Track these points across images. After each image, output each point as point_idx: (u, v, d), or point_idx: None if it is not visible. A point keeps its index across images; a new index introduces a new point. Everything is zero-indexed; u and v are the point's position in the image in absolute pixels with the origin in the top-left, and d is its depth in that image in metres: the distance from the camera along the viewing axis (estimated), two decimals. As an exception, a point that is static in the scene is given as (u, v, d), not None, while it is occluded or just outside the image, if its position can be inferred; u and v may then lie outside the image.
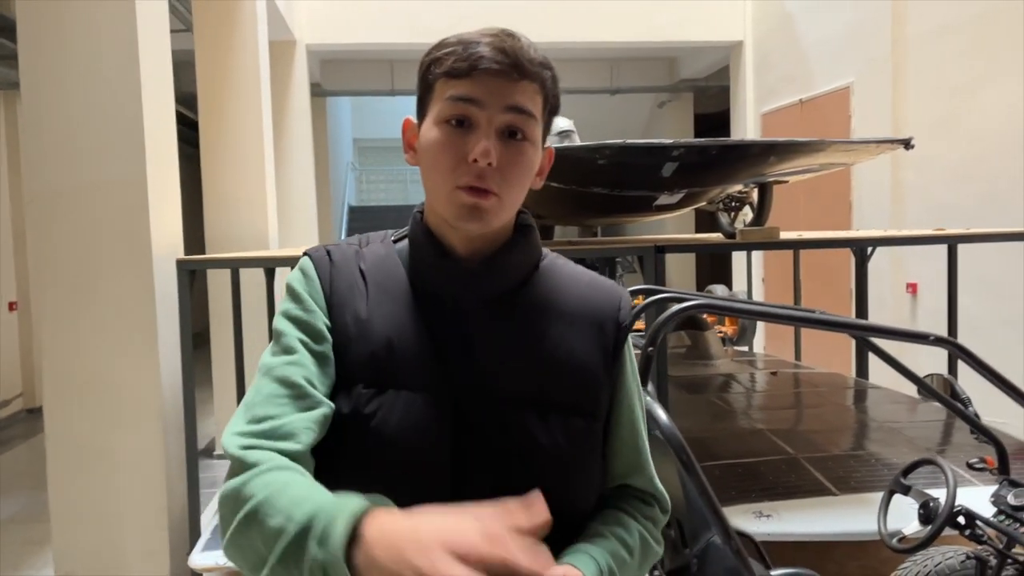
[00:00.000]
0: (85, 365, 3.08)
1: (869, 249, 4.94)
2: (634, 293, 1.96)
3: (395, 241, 1.09)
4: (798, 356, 6.18)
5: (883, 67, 6.39)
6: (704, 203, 4.03)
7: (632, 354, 1.13)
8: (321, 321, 1.00)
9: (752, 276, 8.75)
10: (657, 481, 1.12)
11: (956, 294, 4.20)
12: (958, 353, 1.92)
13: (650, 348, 1.81)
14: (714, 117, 11.39)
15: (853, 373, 5.34)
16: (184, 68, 5.45)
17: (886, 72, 6.34)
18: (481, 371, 0.99)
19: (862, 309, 5.04)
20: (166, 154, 3.29)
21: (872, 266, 6.47)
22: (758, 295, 8.71)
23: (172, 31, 6.48)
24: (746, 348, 7.26)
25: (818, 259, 7.08)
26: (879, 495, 2.40)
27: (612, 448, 1.09)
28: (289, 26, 7.78)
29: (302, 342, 0.99)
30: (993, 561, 2.25)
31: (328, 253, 1.05)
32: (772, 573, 2.39)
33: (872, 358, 6.03)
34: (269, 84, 5.90)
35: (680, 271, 12.49)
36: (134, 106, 3.03)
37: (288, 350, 0.98)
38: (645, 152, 2.92)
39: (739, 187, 3.86)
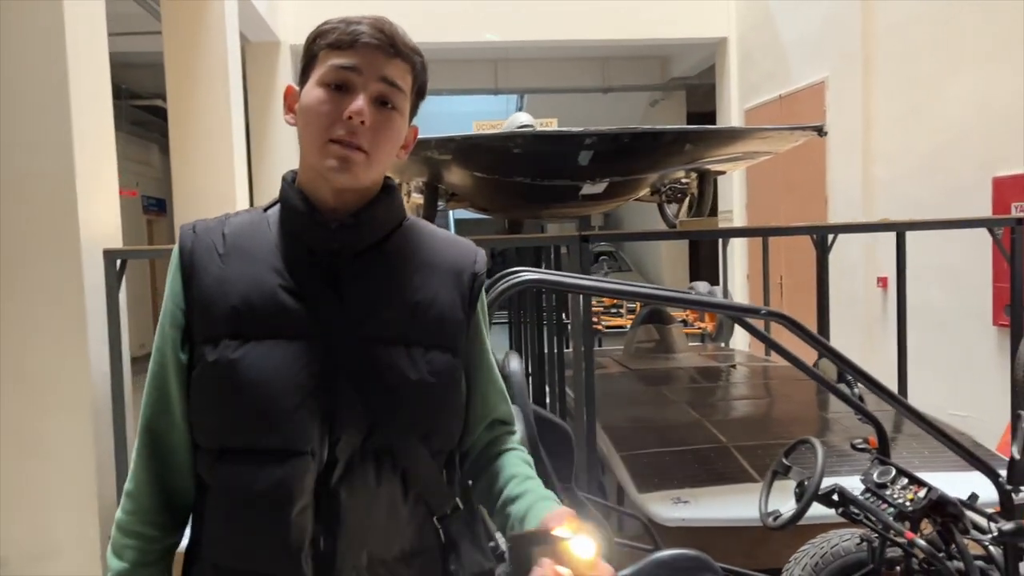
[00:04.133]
0: (16, 354, 3.15)
1: (830, 239, 4.92)
2: (505, 276, 2.00)
3: (267, 209, 1.18)
4: (768, 352, 6.16)
5: (854, 61, 6.37)
6: (647, 194, 4.05)
7: (485, 304, 1.25)
8: (175, 303, 1.13)
9: (736, 273, 8.76)
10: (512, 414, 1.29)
11: (905, 282, 4.17)
12: (788, 325, 1.93)
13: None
14: (708, 115, 11.37)
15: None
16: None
17: (857, 66, 6.32)
18: (350, 315, 1.09)
19: (823, 298, 5.03)
20: (100, 146, 3.35)
21: (843, 261, 6.45)
22: (742, 292, 8.69)
23: (149, 32, 6.60)
24: (723, 344, 7.26)
25: (799, 256, 7.06)
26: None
27: (478, 381, 1.21)
28: (272, 28, 7.88)
29: (167, 324, 1.13)
30: (878, 543, 2.25)
31: (194, 226, 1.16)
32: (658, 554, 2.42)
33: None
34: (240, 84, 5.97)
35: (673, 268, 12.48)
36: (61, 99, 3.09)
37: (160, 328, 1.14)
38: (557, 140, 2.95)
39: (681, 177, 3.88)
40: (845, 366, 1.98)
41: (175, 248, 1.14)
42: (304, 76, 1.13)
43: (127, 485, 1.16)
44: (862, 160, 6.28)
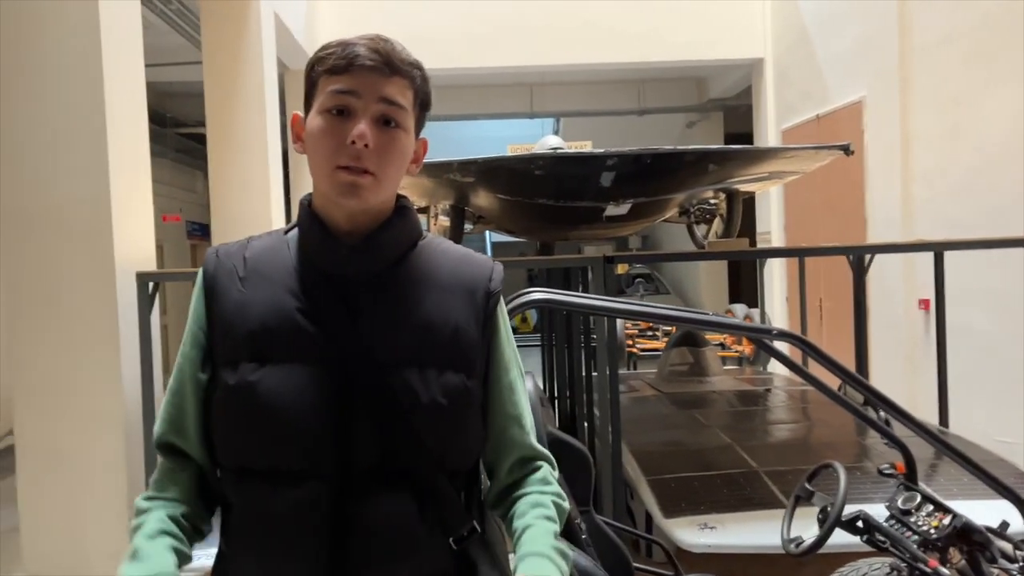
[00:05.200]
0: (53, 374, 3.23)
1: (866, 260, 4.82)
2: (518, 295, 2.00)
3: (288, 232, 1.20)
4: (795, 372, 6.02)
5: (892, 79, 6.26)
6: (675, 215, 4.02)
7: (507, 321, 1.23)
8: (198, 324, 1.16)
9: (776, 296, 8.63)
10: (534, 437, 1.22)
11: (944, 304, 4.06)
12: (802, 347, 1.89)
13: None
14: (745, 136, 11.28)
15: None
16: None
17: (895, 84, 6.21)
18: (364, 338, 1.10)
19: (860, 321, 4.91)
20: (135, 172, 3.45)
21: (883, 283, 6.31)
22: (781, 315, 8.55)
23: (193, 63, 6.79)
24: (761, 368, 7.13)
25: (839, 278, 6.92)
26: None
27: (495, 407, 1.19)
28: (309, 55, 8.05)
29: (188, 344, 1.16)
30: (906, 572, 2.18)
31: (217, 251, 1.19)
32: (679, 580, 2.38)
33: (884, 378, 5.86)
34: (277, 111, 6.11)
35: (712, 291, 12.34)
36: (98, 125, 3.20)
37: (183, 347, 1.16)
38: (579, 161, 2.95)
39: (709, 198, 3.85)
40: (864, 390, 1.93)
41: (200, 272, 1.17)
42: (308, 103, 1.15)
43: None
44: (901, 179, 6.16)
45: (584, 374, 4.08)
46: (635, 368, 8.14)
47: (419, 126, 1.18)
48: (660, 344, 8.67)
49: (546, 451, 1.24)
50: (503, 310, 1.22)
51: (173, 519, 1.11)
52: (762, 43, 8.89)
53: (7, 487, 3.25)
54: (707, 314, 1.77)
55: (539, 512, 1.15)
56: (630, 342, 8.26)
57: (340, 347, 1.09)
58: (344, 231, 1.13)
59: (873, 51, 6.59)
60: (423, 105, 1.17)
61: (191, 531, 1.14)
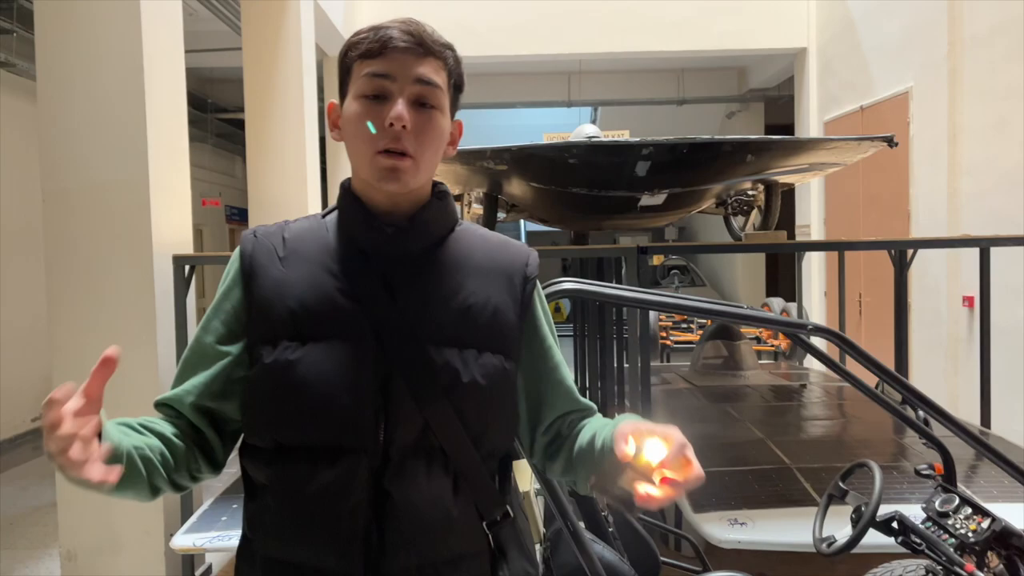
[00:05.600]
0: (91, 356, 3.27)
1: (908, 255, 4.71)
2: (547, 285, 1.98)
3: (325, 215, 1.21)
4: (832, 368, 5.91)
5: (940, 70, 6.09)
6: (712, 206, 3.96)
7: (546, 307, 1.24)
8: (230, 301, 1.16)
9: (814, 290, 8.48)
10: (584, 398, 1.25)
11: (989, 301, 3.95)
12: (839, 343, 1.84)
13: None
14: (787, 127, 11.09)
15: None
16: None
17: (943, 75, 6.05)
18: (404, 317, 1.10)
19: (901, 317, 4.81)
20: (173, 155, 3.48)
21: (926, 279, 6.17)
22: (819, 310, 8.41)
23: (234, 49, 6.85)
24: (797, 362, 7.03)
25: (880, 273, 6.79)
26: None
27: (540, 385, 1.20)
28: (348, 42, 8.07)
29: (213, 318, 1.17)
30: (942, 575, 2.12)
31: (255, 231, 1.20)
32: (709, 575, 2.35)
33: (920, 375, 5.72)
34: (315, 96, 6.14)
35: (748, 284, 12.19)
36: (138, 110, 3.23)
37: (205, 320, 1.18)
38: (613, 150, 2.91)
39: (747, 189, 3.78)
40: (902, 388, 1.87)
41: (236, 252, 1.18)
42: (343, 90, 1.15)
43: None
44: (948, 173, 5.99)
45: (616, 365, 4.05)
46: (668, 360, 8.08)
47: (454, 107, 1.18)
48: (694, 337, 8.60)
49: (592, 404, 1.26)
50: (541, 296, 1.23)
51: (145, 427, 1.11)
52: (806, 33, 8.71)
53: (47, 463, 3.31)
54: (741, 307, 1.74)
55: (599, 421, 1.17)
56: (663, 334, 8.20)
57: (380, 325, 1.09)
58: (384, 212, 1.14)
59: (921, 41, 6.42)
60: (457, 86, 1.17)
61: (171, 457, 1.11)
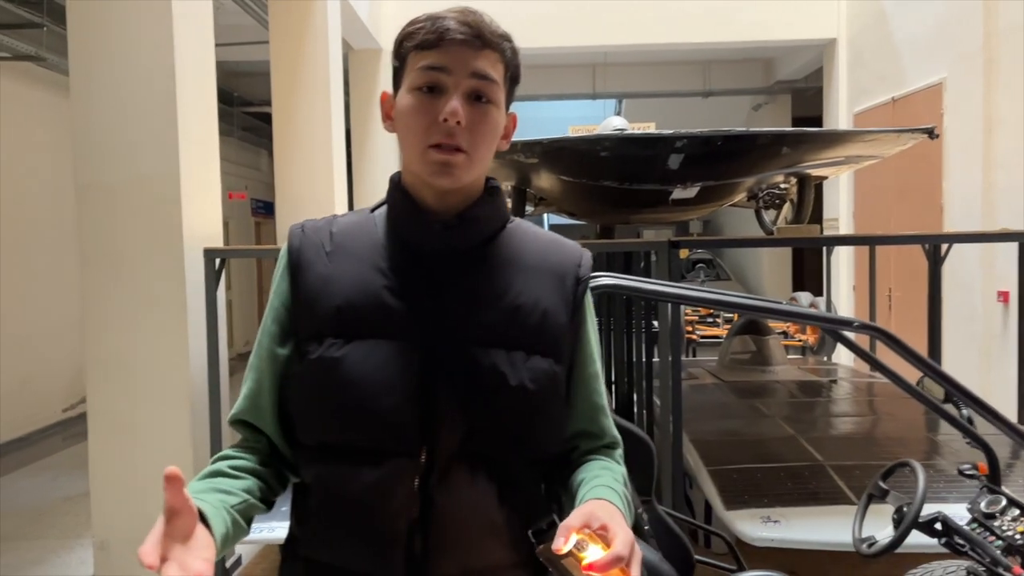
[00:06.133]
0: (120, 346, 3.32)
1: (943, 249, 4.62)
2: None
3: (374, 210, 1.19)
4: (872, 368, 5.84)
5: (975, 61, 5.98)
6: (743, 200, 3.92)
7: (592, 310, 1.21)
8: (280, 299, 1.14)
9: (842, 284, 8.38)
10: (615, 428, 1.20)
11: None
12: (884, 339, 1.80)
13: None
14: (814, 120, 10.96)
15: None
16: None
17: (978, 66, 5.93)
18: (451, 317, 1.07)
19: (935, 313, 4.72)
20: (203, 149, 3.50)
21: (960, 274, 6.06)
22: (847, 304, 8.31)
23: (260, 42, 6.87)
24: (825, 358, 6.94)
25: (911, 267, 6.69)
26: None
27: (577, 388, 1.16)
28: (374, 35, 8.07)
29: (269, 319, 1.15)
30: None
31: (303, 226, 1.17)
32: (744, 574, 2.32)
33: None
34: (342, 89, 6.15)
35: (774, 278, 12.07)
36: (169, 104, 3.25)
37: (264, 321, 1.16)
38: (647, 143, 2.87)
39: (779, 182, 3.73)
40: (950, 386, 1.83)
41: (284, 246, 1.16)
42: (396, 80, 1.13)
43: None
44: (983, 166, 5.88)
45: (644, 360, 4.01)
46: (694, 355, 8.01)
47: (509, 100, 1.15)
48: (720, 331, 8.52)
49: (619, 440, 1.21)
50: (589, 298, 1.19)
51: (237, 468, 1.09)
52: (835, 23, 8.59)
53: (84, 451, 3.35)
54: (781, 303, 1.70)
55: (608, 473, 1.12)
56: (689, 328, 8.12)
57: (427, 325, 1.07)
58: (434, 209, 1.11)
59: (955, 32, 6.30)
60: (513, 79, 1.14)
61: (264, 488, 1.12)
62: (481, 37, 1.07)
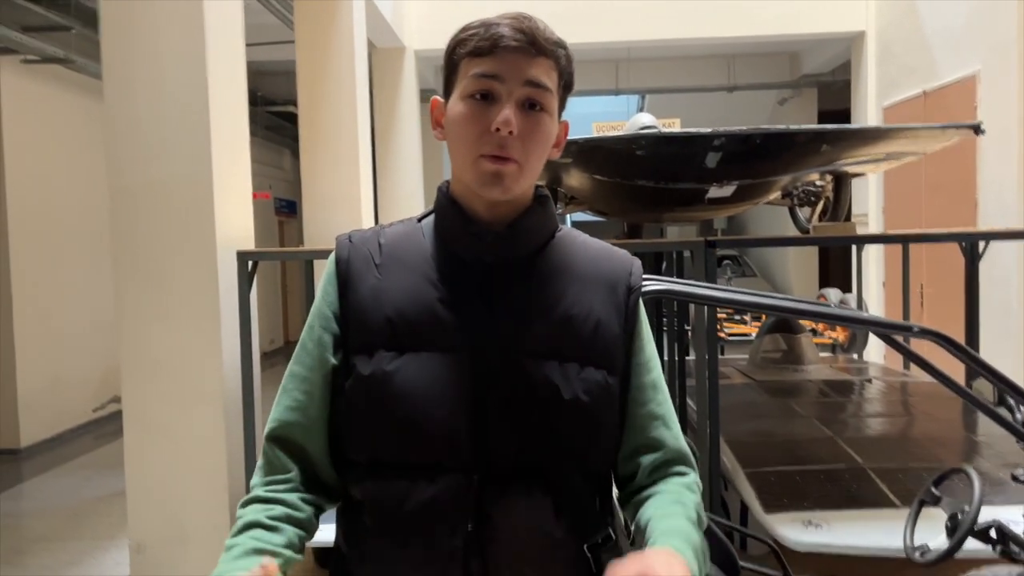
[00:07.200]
0: (157, 350, 3.32)
1: (981, 246, 4.53)
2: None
3: (421, 219, 1.17)
4: (906, 365, 5.75)
5: (1010, 52, 5.86)
6: (778, 198, 3.86)
7: (646, 317, 1.18)
8: (331, 308, 1.11)
9: (871, 280, 8.26)
10: (683, 440, 1.16)
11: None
12: (945, 344, 1.75)
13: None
14: (841, 114, 10.82)
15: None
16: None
17: (1013, 58, 5.82)
18: (503, 328, 1.06)
19: (972, 312, 4.63)
20: (234, 151, 3.49)
21: (995, 270, 5.95)
22: (877, 301, 8.19)
23: (284, 42, 6.89)
24: (856, 356, 6.85)
25: (944, 264, 6.58)
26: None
27: (633, 398, 1.13)
28: (397, 34, 8.06)
29: (317, 326, 1.12)
30: (1040, 585, 2.03)
31: (350, 236, 1.16)
32: (789, 582, 2.27)
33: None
34: (367, 88, 6.14)
35: (801, 274, 11.95)
36: (201, 108, 3.25)
37: (303, 341, 1.13)
38: (684, 141, 2.83)
39: (815, 179, 3.68)
40: (1011, 390, 1.78)
41: (331, 257, 1.14)
42: (448, 87, 1.10)
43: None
44: (1018, 160, 5.78)
45: (677, 359, 3.97)
46: (723, 353, 7.93)
47: (562, 107, 1.12)
48: (748, 328, 8.44)
49: (692, 457, 1.16)
50: (642, 306, 1.17)
51: (278, 516, 1.06)
52: (864, 16, 8.46)
53: (115, 451, 3.36)
54: (835, 308, 1.66)
55: (680, 510, 1.06)
56: (718, 326, 8.04)
57: (479, 337, 1.05)
58: (484, 219, 1.09)
59: (989, 23, 6.19)
60: (567, 86, 1.12)
61: (304, 536, 1.09)
62: (535, 44, 1.05)
